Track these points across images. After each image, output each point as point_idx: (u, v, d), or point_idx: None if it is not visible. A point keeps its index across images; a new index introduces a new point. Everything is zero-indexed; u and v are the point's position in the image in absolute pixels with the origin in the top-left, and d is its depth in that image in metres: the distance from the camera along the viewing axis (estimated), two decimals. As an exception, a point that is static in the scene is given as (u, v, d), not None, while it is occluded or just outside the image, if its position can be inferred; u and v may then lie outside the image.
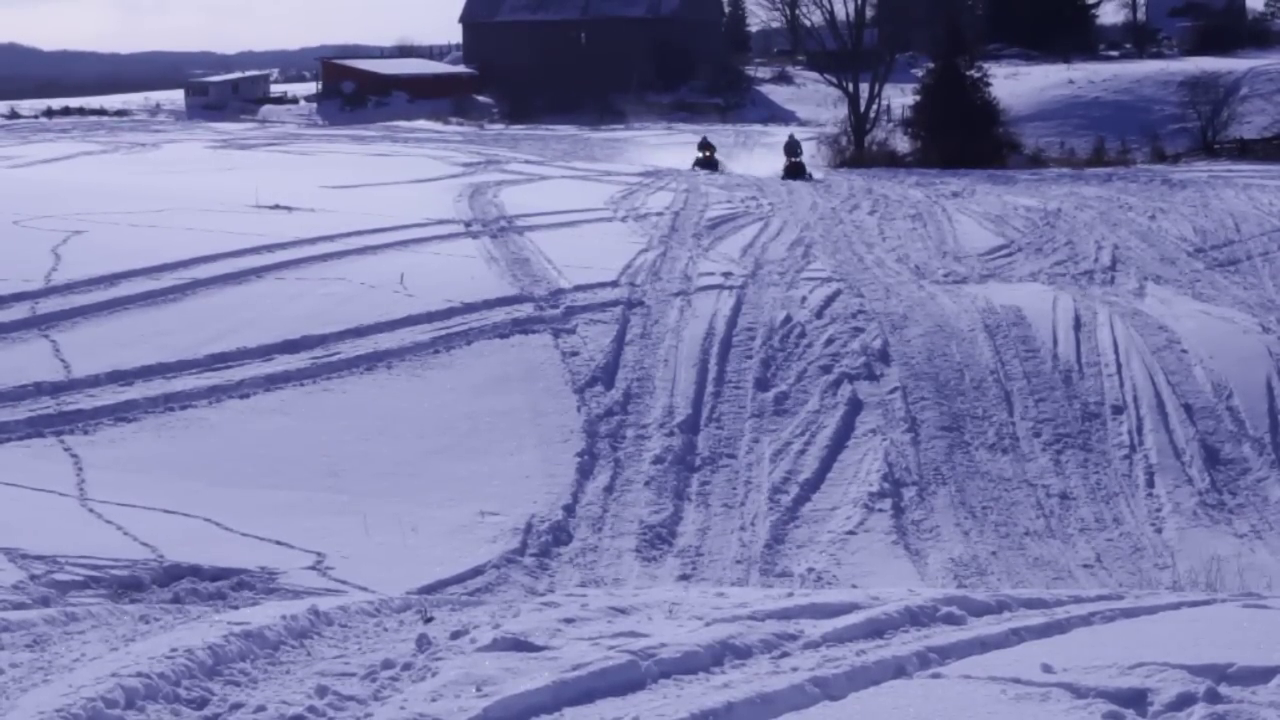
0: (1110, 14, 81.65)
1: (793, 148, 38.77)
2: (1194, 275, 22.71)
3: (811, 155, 43.66)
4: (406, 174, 32.38)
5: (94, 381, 14.13)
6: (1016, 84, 53.09)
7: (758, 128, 53.72)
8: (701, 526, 12.84)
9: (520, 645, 5.98)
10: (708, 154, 38.85)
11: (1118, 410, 15.93)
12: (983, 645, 6.30)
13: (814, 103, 59.29)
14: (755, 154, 43.98)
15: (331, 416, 14.21)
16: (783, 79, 69.14)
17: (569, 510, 12.67)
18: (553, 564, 11.72)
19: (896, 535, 12.84)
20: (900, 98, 48.91)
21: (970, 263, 23.38)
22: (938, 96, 44.09)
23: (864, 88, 47.98)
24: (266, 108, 67.38)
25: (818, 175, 37.80)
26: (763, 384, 16.08)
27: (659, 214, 26.32)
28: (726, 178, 35.16)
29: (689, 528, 12.79)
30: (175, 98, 69.79)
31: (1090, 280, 22.00)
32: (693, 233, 24.34)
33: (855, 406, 15.54)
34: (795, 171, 37.48)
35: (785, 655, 6.02)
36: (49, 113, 62.42)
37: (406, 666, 5.90)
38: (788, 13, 63.55)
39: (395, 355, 15.86)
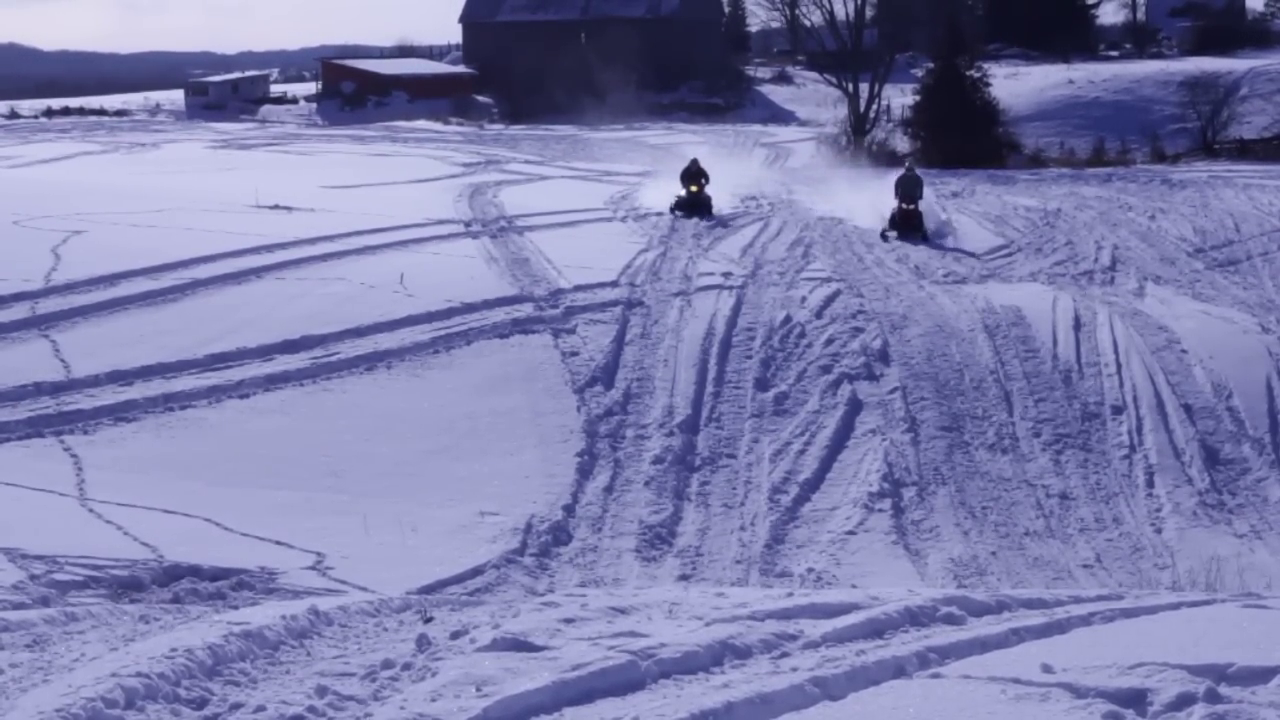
0: (1110, 14, 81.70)
1: (910, 185, 25.63)
2: (1194, 275, 22.71)
3: (811, 155, 43.60)
4: (406, 174, 32.40)
5: (94, 381, 14.14)
6: (1016, 84, 53.08)
7: (757, 128, 53.69)
8: (701, 526, 12.84)
9: (520, 645, 5.98)
10: (695, 188, 26.35)
11: (1118, 410, 15.93)
12: (983, 645, 6.29)
13: (814, 103, 59.27)
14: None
15: (331, 416, 14.21)
16: (783, 79, 69.07)
17: (569, 510, 12.68)
18: (553, 564, 11.73)
19: (896, 535, 12.84)
20: (900, 98, 48.88)
21: (970, 263, 23.38)
22: (938, 96, 44.07)
23: (864, 88, 47.98)
24: (266, 108, 67.33)
25: (935, 222, 25.95)
26: (762, 384, 16.09)
27: (659, 214, 26.32)
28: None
29: (689, 528, 12.79)
30: (175, 98, 69.75)
31: (1090, 280, 22.00)
32: (692, 233, 24.33)
33: (855, 406, 15.54)
34: (911, 223, 25.07)
35: (785, 655, 6.02)
36: (49, 113, 62.37)
37: (406, 666, 5.90)
38: (788, 13, 63.62)
39: (395, 355, 15.86)
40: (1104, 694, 5.15)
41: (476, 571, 10.94)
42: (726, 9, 78.71)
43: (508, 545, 11.65)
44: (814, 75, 59.49)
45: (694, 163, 27.23)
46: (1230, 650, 5.58)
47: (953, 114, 42.58)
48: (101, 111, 64.15)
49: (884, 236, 24.74)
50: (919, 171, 27.25)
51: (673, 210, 26.02)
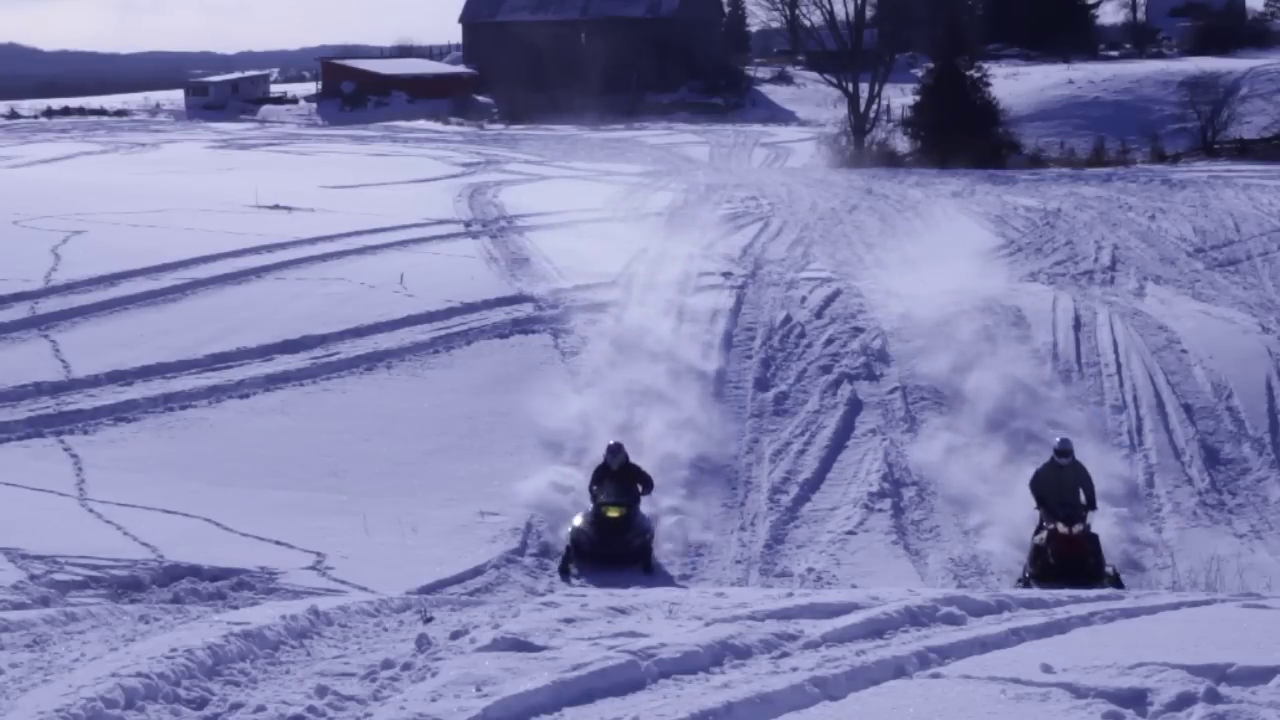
0: (1110, 14, 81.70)
1: (1068, 484, 12.40)
2: (1194, 275, 22.67)
3: (811, 155, 43.54)
4: (406, 174, 32.39)
5: (94, 381, 14.14)
6: (1016, 84, 53.05)
7: (757, 127, 53.66)
8: (701, 526, 12.83)
9: (520, 645, 5.98)
10: (614, 512, 12.12)
11: (1118, 410, 15.91)
12: (983, 645, 6.29)
13: (814, 103, 59.24)
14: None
15: (331, 416, 14.22)
16: (783, 79, 69.07)
17: (569, 510, 12.65)
18: (552, 564, 11.74)
19: (896, 535, 12.83)
20: (900, 98, 48.85)
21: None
22: (938, 96, 44.03)
23: (864, 88, 47.95)
24: (266, 108, 67.33)
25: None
26: (763, 384, 16.08)
27: (659, 214, 26.28)
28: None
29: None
30: (175, 98, 69.80)
31: (1090, 280, 21.97)
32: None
33: (855, 406, 15.53)
34: (1078, 560, 11.85)
35: (785, 655, 6.02)
36: (49, 113, 62.39)
37: (406, 666, 5.90)
38: (788, 13, 63.56)
39: (395, 355, 15.86)
40: (1104, 694, 5.15)
41: (476, 571, 10.95)
42: (726, 9, 78.69)
43: (508, 545, 11.65)
44: (814, 75, 59.46)
45: (614, 454, 12.66)
46: (1230, 650, 5.58)
47: (953, 114, 42.53)
48: (101, 111, 64.15)
49: (1025, 582, 11.99)
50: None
51: (564, 567, 11.88)
